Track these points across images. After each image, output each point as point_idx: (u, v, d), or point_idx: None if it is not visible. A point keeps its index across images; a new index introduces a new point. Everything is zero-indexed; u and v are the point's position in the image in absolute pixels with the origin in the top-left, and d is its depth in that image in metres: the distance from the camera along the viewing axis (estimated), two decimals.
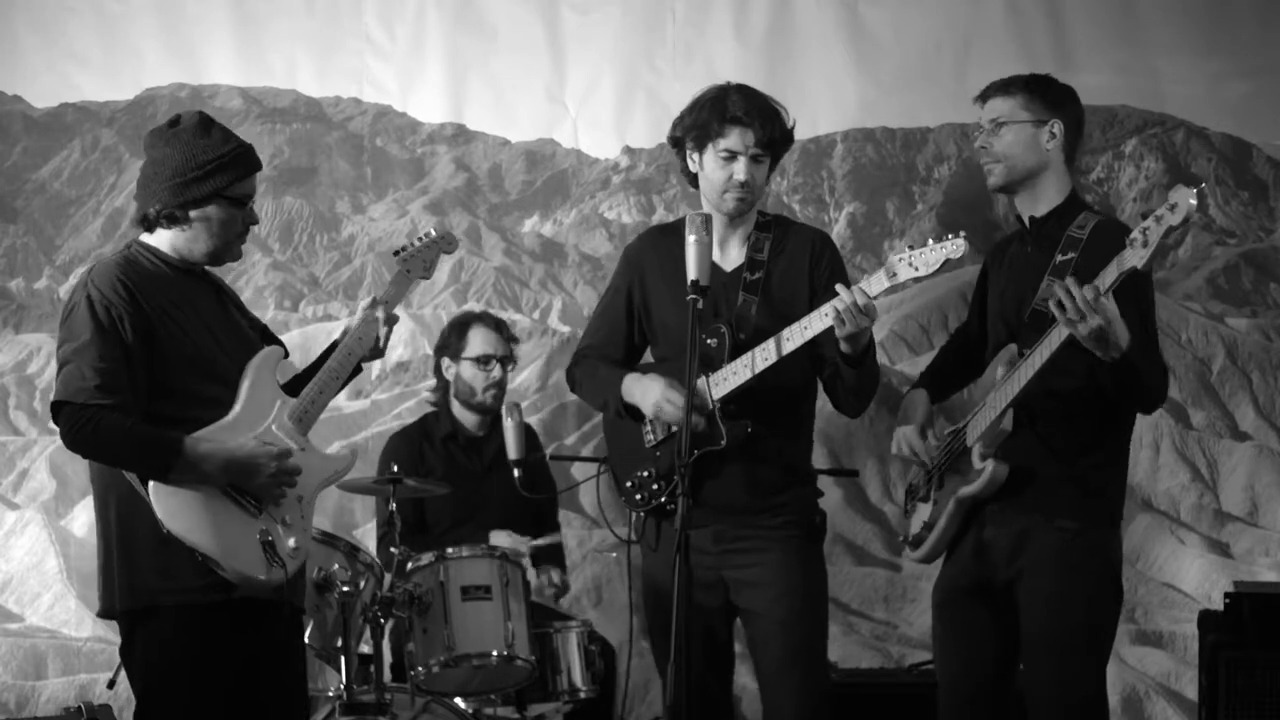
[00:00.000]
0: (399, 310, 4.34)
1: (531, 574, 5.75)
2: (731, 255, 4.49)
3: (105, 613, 4.04)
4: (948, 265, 4.14)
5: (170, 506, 3.88)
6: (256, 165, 4.11)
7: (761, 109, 4.40)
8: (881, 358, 7.83)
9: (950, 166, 8.13)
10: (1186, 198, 3.83)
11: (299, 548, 4.03)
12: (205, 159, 4.02)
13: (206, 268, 4.19)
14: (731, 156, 4.39)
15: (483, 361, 6.08)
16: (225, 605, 3.94)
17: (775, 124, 4.40)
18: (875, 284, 4.18)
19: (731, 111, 4.39)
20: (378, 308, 4.25)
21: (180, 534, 3.87)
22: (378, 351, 4.29)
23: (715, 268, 4.42)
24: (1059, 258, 4.27)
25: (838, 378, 4.35)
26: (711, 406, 4.31)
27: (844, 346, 4.24)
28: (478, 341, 6.10)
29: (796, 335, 4.26)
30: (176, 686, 3.95)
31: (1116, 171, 8.10)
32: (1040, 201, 4.37)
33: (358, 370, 4.34)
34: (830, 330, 4.20)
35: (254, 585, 3.93)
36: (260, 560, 3.93)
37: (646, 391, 4.39)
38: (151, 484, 3.89)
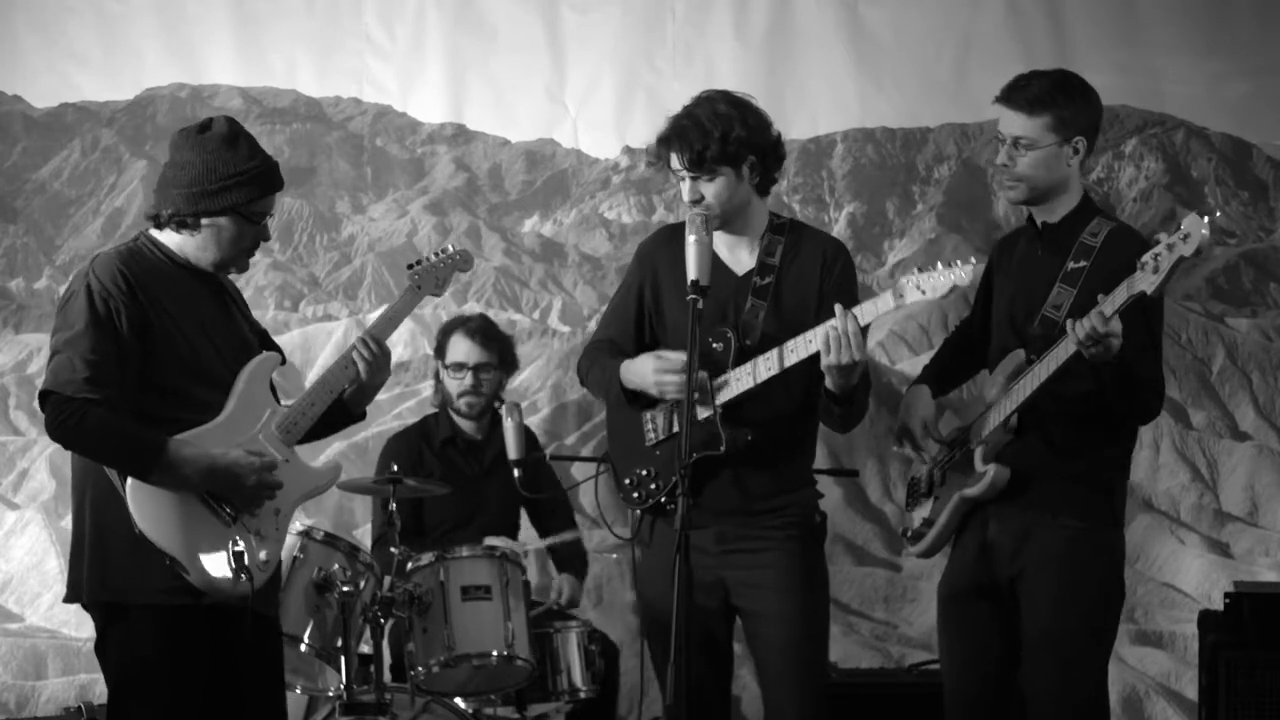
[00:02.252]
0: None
1: (534, 573, 5.74)
2: (743, 259, 4.46)
3: (71, 598, 4.04)
4: (954, 292, 4.12)
5: (145, 506, 3.87)
6: (278, 184, 4.07)
7: (684, 129, 4.31)
8: (881, 357, 7.87)
9: (950, 166, 8.13)
10: (1199, 228, 3.81)
11: (269, 560, 4.01)
12: (226, 173, 3.98)
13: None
14: (681, 177, 4.38)
15: (455, 369, 6.05)
16: (196, 609, 3.93)
17: (696, 143, 4.28)
18: (882, 304, 4.15)
19: (661, 134, 4.36)
20: (373, 337, 4.21)
21: (151, 535, 3.86)
22: (377, 383, 4.25)
23: (727, 271, 4.40)
24: (1071, 265, 4.24)
25: (825, 408, 4.35)
26: (713, 412, 4.30)
27: (830, 382, 4.21)
28: (453, 349, 6.06)
29: (800, 348, 4.24)
30: (149, 686, 3.95)
31: (1116, 171, 8.10)
32: (1057, 209, 4.33)
33: (360, 415, 4.30)
34: None
35: (219, 593, 3.91)
36: (228, 570, 3.90)
37: (643, 375, 4.38)
38: (129, 482, 3.88)
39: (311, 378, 4.96)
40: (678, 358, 4.28)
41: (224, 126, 4.04)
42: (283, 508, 4.06)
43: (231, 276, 4.22)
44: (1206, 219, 3.81)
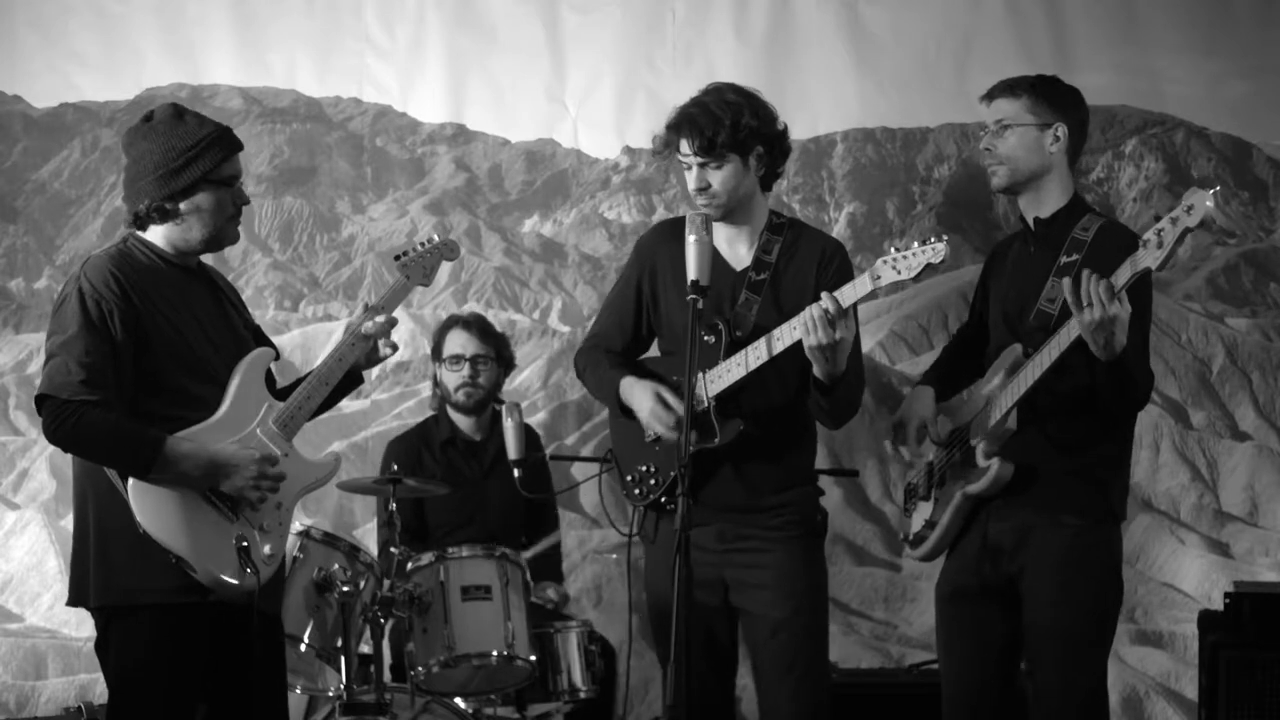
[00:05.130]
0: (399, 311, 4.33)
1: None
2: (740, 254, 4.48)
3: (75, 602, 4.04)
4: (929, 270, 4.15)
5: (147, 506, 3.87)
6: (237, 145, 4.10)
7: (694, 116, 4.35)
8: (881, 358, 7.87)
9: (950, 166, 8.13)
10: (1203, 200, 3.83)
11: (274, 555, 4.01)
12: (184, 146, 4.01)
13: (202, 263, 4.18)
14: (688, 165, 4.39)
15: (453, 361, 6.08)
16: (200, 607, 3.93)
17: (708, 129, 4.32)
18: (860, 287, 4.18)
19: (671, 121, 4.39)
20: (370, 317, 4.22)
21: (155, 534, 3.86)
22: (375, 359, 4.28)
23: (724, 265, 4.42)
24: (1063, 259, 4.28)
25: (813, 401, 4.36)
26: (707, 404, 4.32)
27: (816, 370, 4.23)
28: (450, 343, 6.12)
29: (786, 335, 4.27)
30: (149, 686, 3.94)
31: (1116, 171, 8.10)
32: (1044, 203, 4.38)
33: (359, 380, 4.32)
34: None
35: (226, 590, 3.91)
36: (234, 565, 3.91)
37: (640, 405, 4.40)
38: (130, 482, 3.88)
39: None
40: (676, 409, 4.28)
41: (167, 110, 4.09)
42: (284, 501, 4.07)
43: (230, 276, 4.22)
44: (1211, 191, 3.83)
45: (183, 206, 4.03)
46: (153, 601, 3.92)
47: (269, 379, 4.19)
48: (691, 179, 4.39)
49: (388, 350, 4.28)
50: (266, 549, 3.99)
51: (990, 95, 4.41)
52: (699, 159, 4.35)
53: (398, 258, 4.40)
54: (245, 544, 3.93)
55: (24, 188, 8.16)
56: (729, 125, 4.33)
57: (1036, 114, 4.33)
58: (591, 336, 4.66)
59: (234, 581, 3.91)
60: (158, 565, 3.88)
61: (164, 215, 4.03)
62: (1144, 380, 4.24)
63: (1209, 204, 3.83)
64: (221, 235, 4.10)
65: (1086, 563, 4.26)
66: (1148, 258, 3.92)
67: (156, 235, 4.08)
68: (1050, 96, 4.36)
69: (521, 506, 6.00)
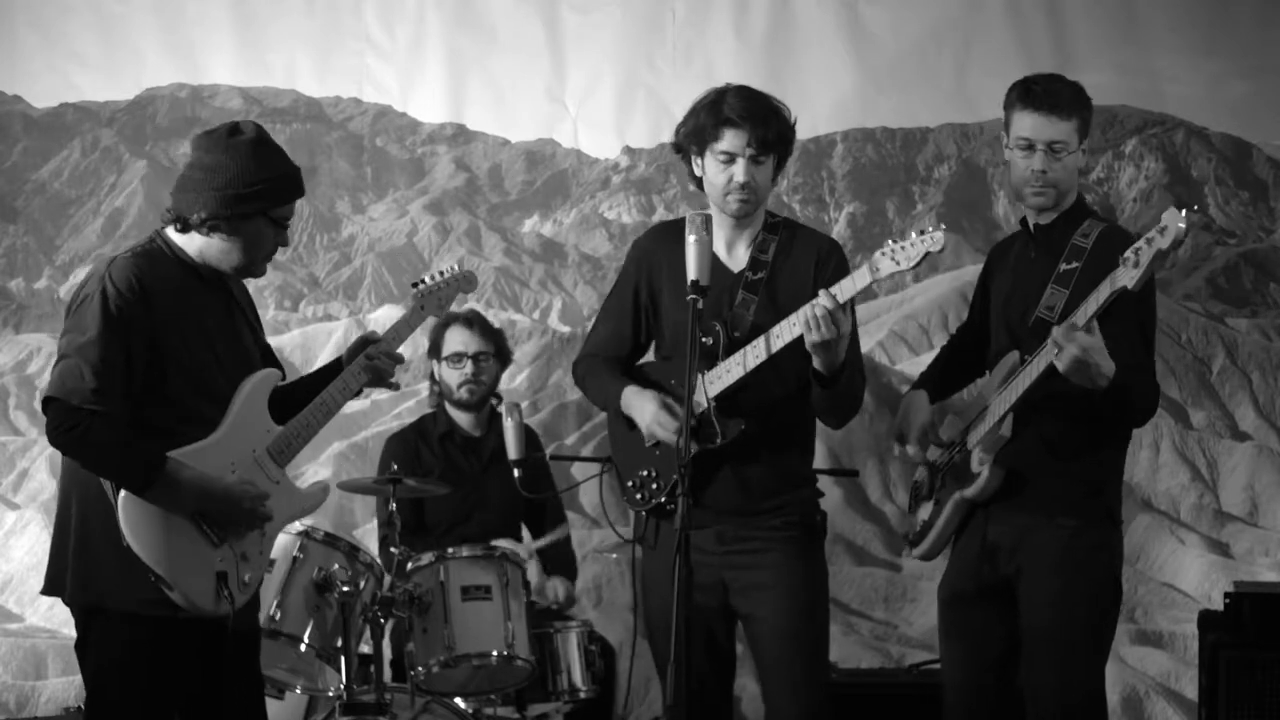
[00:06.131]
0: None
1: (534, 574, 5.75)
2: (738, 256, 4.48)
3: (50, 592, 4.02)
4: (929, 259, 4.16)
5: (135, 521, 3.85)
6: (302, 190, 4.08)
7: (757, 110, 4.36)
8: (881, 358, 7.88)
9: (950, 166, 8.13)
10: (1176, 221, 3.85)
11: (251, 582, 4.01)
12: (261, 176, 3.96)
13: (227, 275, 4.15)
14: (730, 159, 4.37)
15: (454, 359, 6.09)
16: (172, 620, 3.92)
17: (772, 124, 4.36)
18: (859, 279, 4.19)
19: (726, 114, 4.37)
20: (381, 351, 4.20)
21: (138, 550, 3.83)
22: (390, 386, 4.27)
23: (722, 269, 4.42)
24: (1063, 266, 4.26)
25: (815, 396, 4.36)
26: (707, 405, 4.32)
27: (816, 363, 4.23)
28: (451, 340, 6.13)
29: (785, 332, 4.27)
30: (124, 691, 3.93)
31: (1116, 171, 8.10)
32: (1053, 211, 4.36)
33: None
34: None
35: (200, 612, 3.91)
36: (210, 591, 3.90)
37: (642, 411, 4.40)
38: (121, 495, 3.85)
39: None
40: (681, 416, 4.28)
41: (254, 131, 4.03)
42: (269, 530, 4.06)
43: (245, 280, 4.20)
44: (1184, 212, 3.84)
45: (234, 228, 4.02)
46: (126, 609, 3.91)
47: (270, 399, 4.16)
48: (738, 172, 4.37)
49: (393, 381, 4.26)
50: (245, 576, 3.98)
51: (1036, 108, 4.25)
52: (754, 152, 4.36)
53: (415, 285, 4.38)
54: (225, 570, 3.92)
55: (24, 188, 8.17)
56: (784, 122, 4.38)
57: (1081, 135, 4.27)
58: (589, 345, 4.65)
59: (209, 608, 3.90)
60: (136, 575, 3.86)
61: (213, 230, 4.00)
62: (1148, 395, 4.23)
63: (1181, 225, 3.84)
64: (254, 267, 4.07)
65: (1084, 564, 4.26)
66: (1125, 277, 3.94)
67: (191, 243, 4.02)
68: (1087, 111, 4.29)
69: (521, 504, 6.00)
